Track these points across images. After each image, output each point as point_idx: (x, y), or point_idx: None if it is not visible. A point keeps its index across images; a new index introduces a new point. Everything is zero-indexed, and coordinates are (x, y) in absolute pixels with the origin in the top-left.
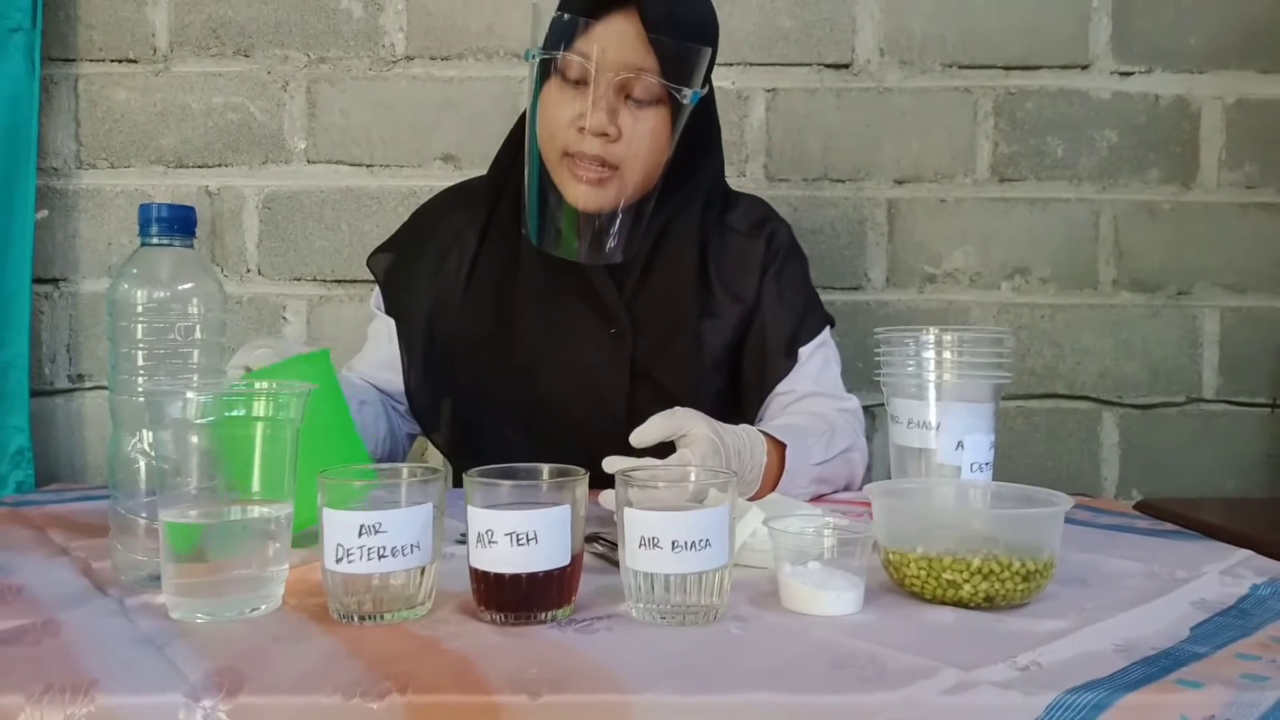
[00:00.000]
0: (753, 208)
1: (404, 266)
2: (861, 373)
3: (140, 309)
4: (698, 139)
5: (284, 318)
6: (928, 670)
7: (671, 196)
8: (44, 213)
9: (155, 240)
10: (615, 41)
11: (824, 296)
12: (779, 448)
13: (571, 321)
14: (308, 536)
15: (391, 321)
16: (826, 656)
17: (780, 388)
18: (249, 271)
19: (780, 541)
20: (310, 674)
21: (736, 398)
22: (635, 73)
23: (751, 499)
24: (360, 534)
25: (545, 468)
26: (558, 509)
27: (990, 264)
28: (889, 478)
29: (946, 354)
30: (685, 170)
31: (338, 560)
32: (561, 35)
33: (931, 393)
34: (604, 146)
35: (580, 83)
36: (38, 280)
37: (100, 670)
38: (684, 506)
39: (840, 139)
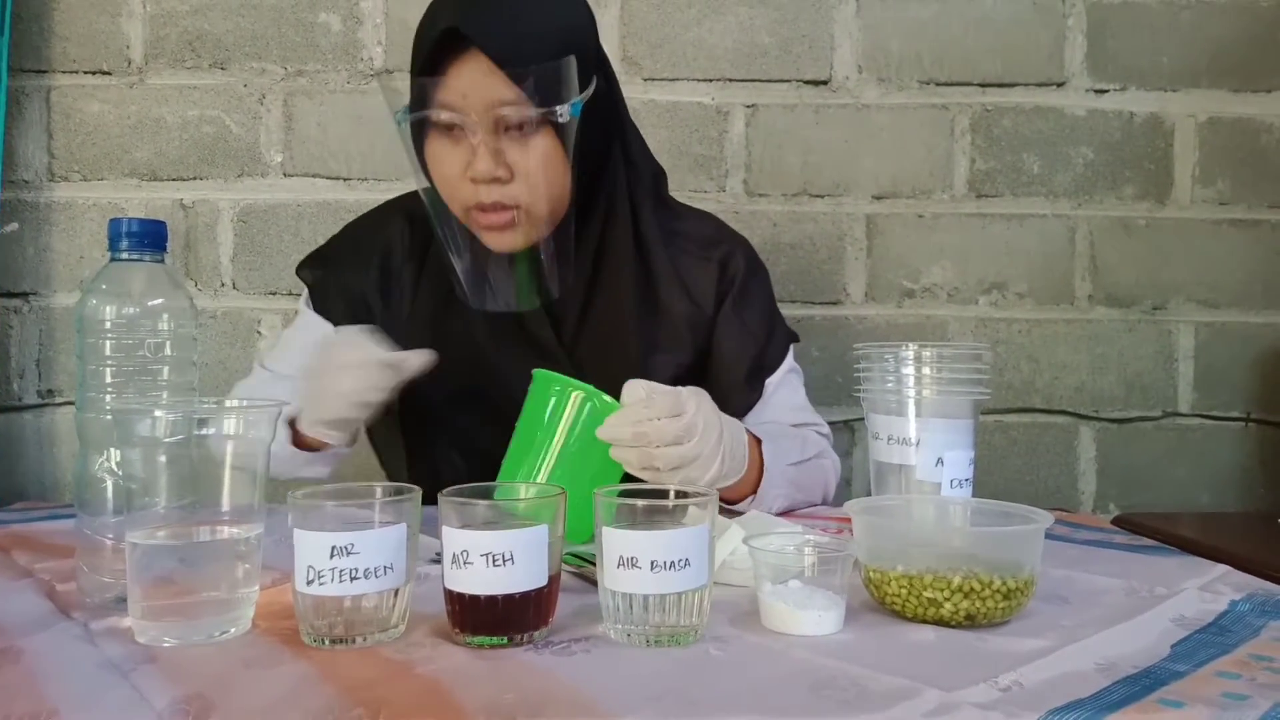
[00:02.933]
0: (702, 222)
1: (341, 276)
2: (841, 387)
3: (109, 325)
4: (606, 143)
5: (259, 332)
6: (909, 691)
7: (595, 215)
8: (13, 226)
9: (125, 255)
10: (472, 85)
11: (803, 311)
12: (755, 441)
13: (514, 363)
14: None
15: (328, 325)
16: (808, 679)
17: (748, 420)
18: (223, 285)
19: (760, 560)
20: (280, 701)
21: None
22: (505, 106)
23: (735, 488)
24: (332, 555)
25: (522, 486)
26: (535, 529)
27: (968, 279)
28: (868, 494)
29: (926, 370)
30: (601, 183)
31: (308, 582)
32: (421, 95)
33: (911, 409)
34: (501, 190)
35: (455, 129)
36: (6, 294)
37: (62, 698)
38: (664, 524)
39: (819, 155)
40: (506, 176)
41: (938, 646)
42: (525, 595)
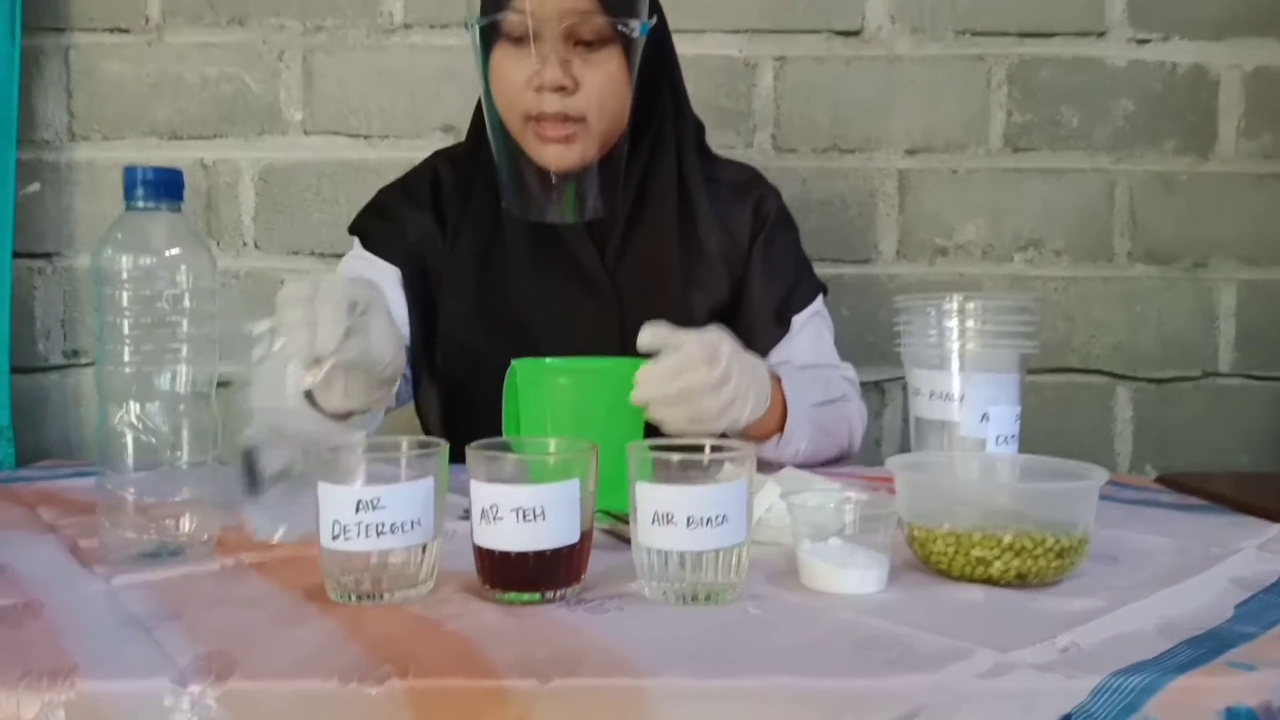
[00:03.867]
0: (740, 170)
1: (397, 218)
2: (872, 347)
3: (126, 276)
4: (657, 81)
5: None
6: (960, 651)
7: (642, 150)
8: (35, 186)
9: (141, 205)
10: None
11: (832, 270)
12: (774, 379)
13: (557, 291)
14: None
15: (389, 267)
16: (851, 637)
17: (774, 358)
18: (245, 246)
19: (799, 517)
20: (305, 657)
21: None
22: (578, 16)
23: (761, 424)
24: (358, 510)
25: (552, 441)
26: (566, 484)
27: (1003, 236)
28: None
29: (970, 322)
30: (650, 120)
31: (334, 537)
32: (494, 1)
33: (955, 363)
34: (564, 101)
35: (524, 40)
36: (30, 255)
37: (82, 654)
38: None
39: (850, 108)
40: (572, 87)
41: (987, 606)
42: (557, 551)
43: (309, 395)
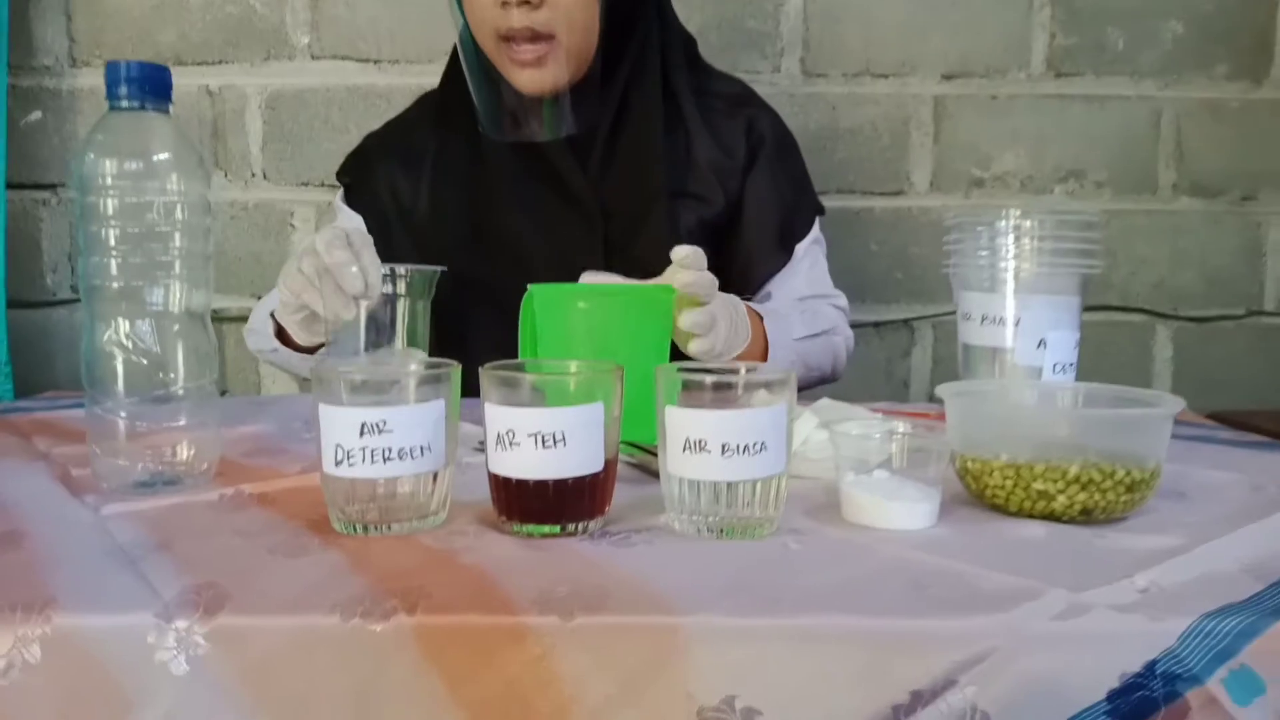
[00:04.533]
0: (732, 83)
1: (371, 169)
2: (900, 284)
3: (110, 181)
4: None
5: (291, 225)
6: (1030, 591)
7: (624, 63)
8: (36, 115)
9: (125, 104)
10: None
11: (862, 203)
12: (755, 316)
13: (541, 208)
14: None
15: (358, 217)
16: (905, 574)
17: (773, 287)
18: (254, 176)
19: (842, 447)
20: (304, 591)
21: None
22: None
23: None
24: (362, 433)
25: (574, 362)
26: (589, 407)
27: (1042, 166)
28: (928, 400)
29: (1027, 240)
30: (633, 31)
31: (337, 463)
32: None
33: (1009, 284)
34: (530, 16)
35: None
36: (34, 186)
37: (61, 587)
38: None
39: (883, 30)
40: (536, 1)
41: (1051, 544)
42: (579, 480)
43: (281, 335)
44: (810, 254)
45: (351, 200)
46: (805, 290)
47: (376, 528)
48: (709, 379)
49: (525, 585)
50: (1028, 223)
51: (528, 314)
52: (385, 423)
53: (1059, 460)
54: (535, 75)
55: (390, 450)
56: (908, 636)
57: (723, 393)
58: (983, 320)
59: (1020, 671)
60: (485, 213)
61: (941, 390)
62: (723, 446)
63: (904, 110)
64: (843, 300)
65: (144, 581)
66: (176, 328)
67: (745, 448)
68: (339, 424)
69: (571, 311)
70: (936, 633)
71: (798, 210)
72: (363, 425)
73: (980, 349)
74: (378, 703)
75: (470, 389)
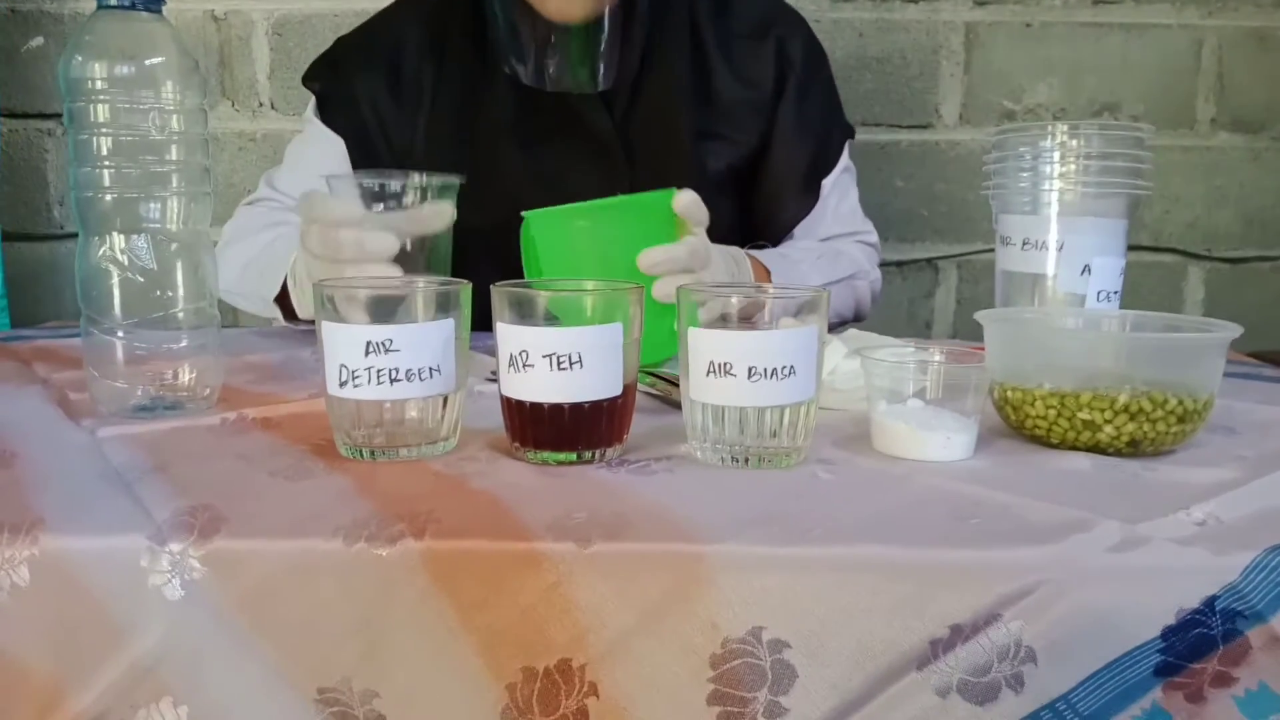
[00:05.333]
0: (751, 5)
1: (349, 80)
2: (926, 221)
3: (100, 85)
4: None
5: None
6: (1080, 523)
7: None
8: (38, 41)
9: (115, 1)
10: None
11: (888, 136)
12: (764, 273)
13: (554, 156)
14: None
15: (338, 140)
16: (945, 505)
17: (798, 230)
18: (261, 106)
19: (875, 375)
20: (306, 515)
21: (749, 234)
22: None
23: None
24: (367, 352)
25: (590, 282)
26: (608, 327)
27: (1077, 99)
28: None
29: (1073, 159)
30: None
31: (341, 384)
32: None
33: (1053, 205)
34: None
35: None
36: (38, 116)
37: (51, 509)
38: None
39: None
40: None
41: (1098, 476)
42: (596, 405)
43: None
44: (839, 186)
45: (327, 115)
46: (832, 229)
47: (384, 452)
48: (734, 298)
49: (539, 511)
50: (1074, 142)
51: (528, 245)
52: (392, 341)
53: (1106, 389)
54: (567, 3)
55: (397, 371)
56: (948, 568)
57: (749, 314)
58: (1023, 245)
59: (1070, 606)
60: (487, 158)
61: (981, 316)
62: (749, 370)
63: (934, 38)
64: (872, 235)
65: (137, 504)
66: (175, 246)
67: (773, 371)
68: (343, 342)
69: (572, 232)
70: (980, 564)
71: (827, 141)
72: (368, 344)
73: (1020, 276)
74: (384, 631)
75: (480, 326)
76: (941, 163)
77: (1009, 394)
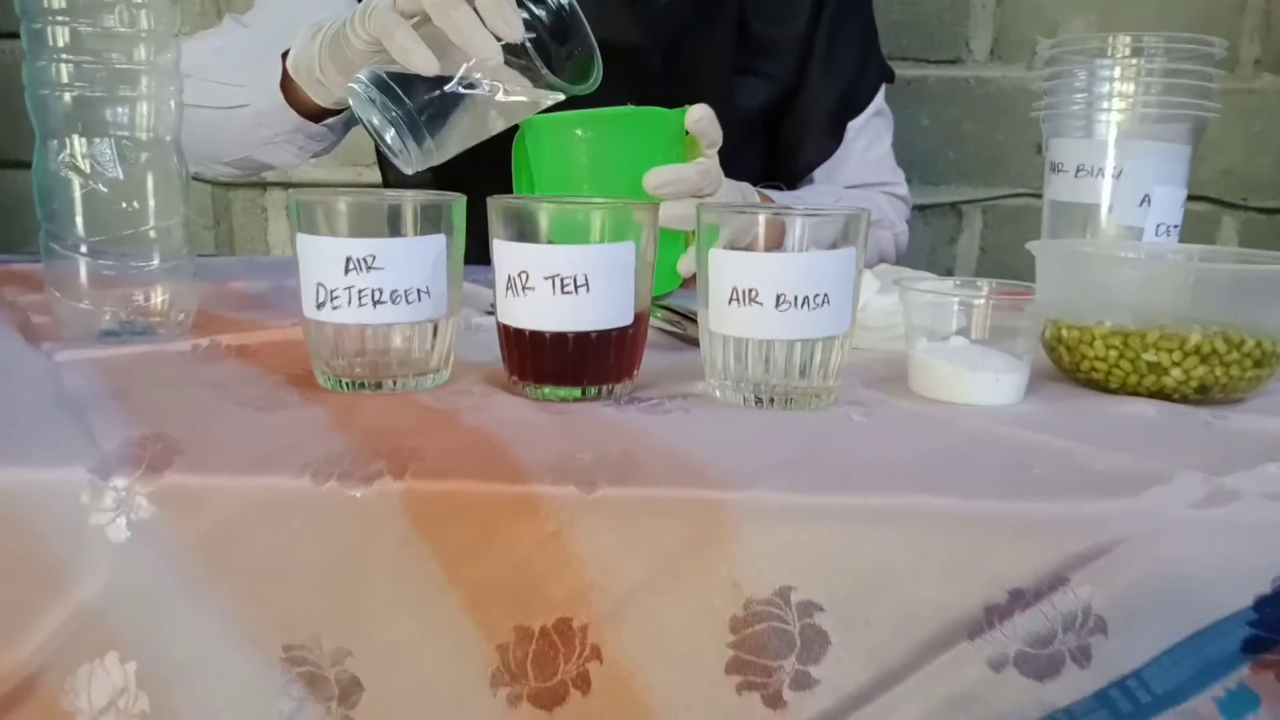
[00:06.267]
0: None
1: None
2: (951, 163)
3: None
4: None
5: None
6: (1156, 474)
7: None
8: None
9: None
10: None
11: (914, 71)
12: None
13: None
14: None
15: None
16: (999, 452)
17: (818, 175)
18: None
19: (915, 310)
20: (272, 449)
21: (766, 177)
22: None
23: None
24: (347, 270)
25: (598, 197)
26: (618, 246)
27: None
28: None
29: (1133, 76)
30: None
31: (319, 305)
32: None
33: (1110, 129)
34: None
35: None
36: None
37: None
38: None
39: None
40: None
41: (1166, 424)
42: (604, 335)
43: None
44: (867, 131)
45: None
46: (857, 176)
47: (366, 384)
48: (760, 216)
49: (538, 451)
50: (1134, 60)
51: (519, 156)
52: (374, 258)
53: (1175, 328)
54: None
55: (381, 292)
56: (1008, 522)
57: (776, 235)
58: (1077, 172)
59: (1147, 568)
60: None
61: (1034, 246)
62: (778, 298)
63: None
64: (902, 188)
65: (85, 432)
66: (144, 156)
67: (805, 300)
68: (320, 258)
69: (570, 143)
70: (1044, 518)
71: (860, 79)
72: (348, 260)
73: (1070, 207)
74: (359, 582)
75: (482, 257)
76: (970, 101)
77: (1064, 333)
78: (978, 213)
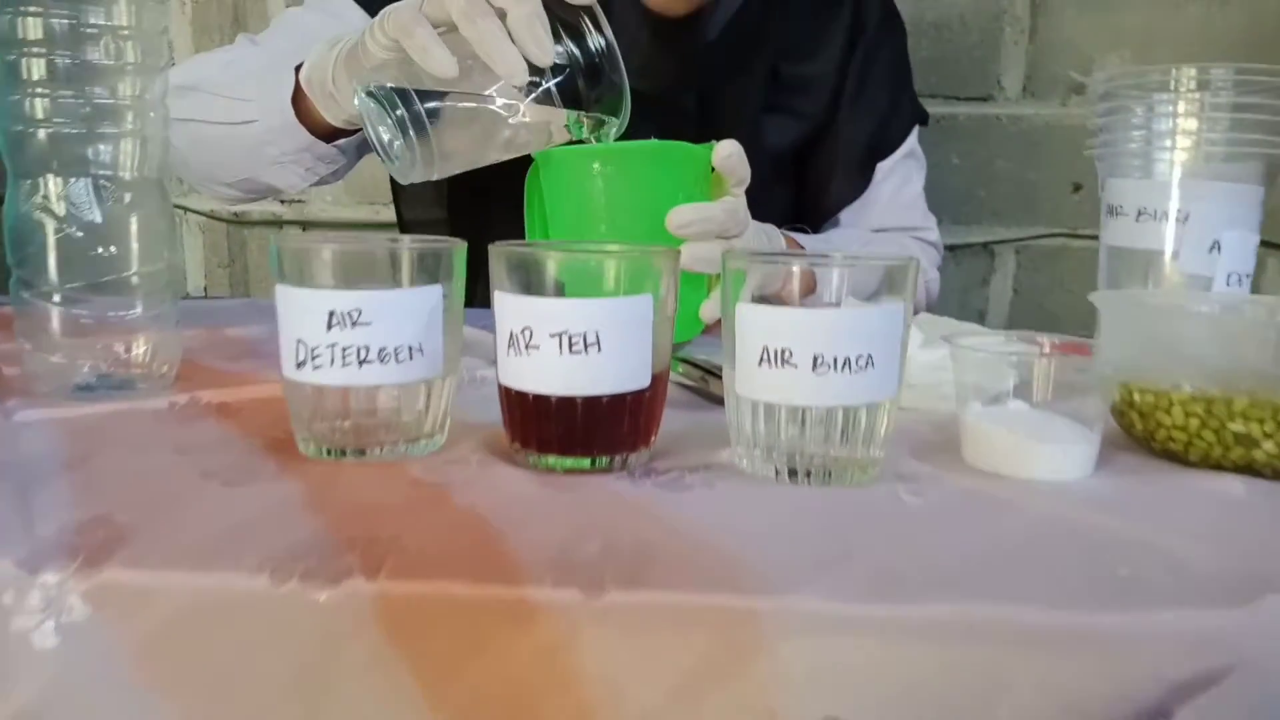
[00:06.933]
0: None
1: None
2: (983, 203)
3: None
4: None
5: None
6: (1268, 577)
7: None
8: None
9: None
10: None
11: (944, 109)
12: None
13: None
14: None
15: (359, 11)
16: (1076, 545)
17: (844, 217)
18: None
19: (968, 369)
20: (232, 535)
21: (799, 216)
22: None
23: None
24: (330, 325)
25: (611, 243)
26: (635, 300)
27: None
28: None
29: (1196, 117)
30: None
31: (299, 364)
32: None
33: (1174, 168)
34: None
35: None
36: None
37: None
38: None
39: None
40: None
41: (1261, 507)
42: (617, 399)
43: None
44: (898, 173)
45: None
46: (885, 220)
47: (345, 453)
48: (795, 265)
49: (538, 540)
50: (1201, 94)
51: (534, 194)
52: (360, 312)
53: (1265, 394)
54: (678, 0)
55: (367, 350)
56: (1096, 640)
57: (811, 285)
58: (1138, 215)
59: (1270, 700)
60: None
61: (1098, 298)
62: (815, 359)
63: (997, 3)
64: (933, 233)
65: (22, 514)
66: (128, 197)
67: (846, 362)
68: (301, 311)
69: (587, 178)
70: (1139, 636)
71: (891, 119)
72: (331, 314)
73: (1130, 254)
74: (322, 697)
75: (487, 301)
76: (1002, 138)
77: (1136, 397)
78: (1010, 253)
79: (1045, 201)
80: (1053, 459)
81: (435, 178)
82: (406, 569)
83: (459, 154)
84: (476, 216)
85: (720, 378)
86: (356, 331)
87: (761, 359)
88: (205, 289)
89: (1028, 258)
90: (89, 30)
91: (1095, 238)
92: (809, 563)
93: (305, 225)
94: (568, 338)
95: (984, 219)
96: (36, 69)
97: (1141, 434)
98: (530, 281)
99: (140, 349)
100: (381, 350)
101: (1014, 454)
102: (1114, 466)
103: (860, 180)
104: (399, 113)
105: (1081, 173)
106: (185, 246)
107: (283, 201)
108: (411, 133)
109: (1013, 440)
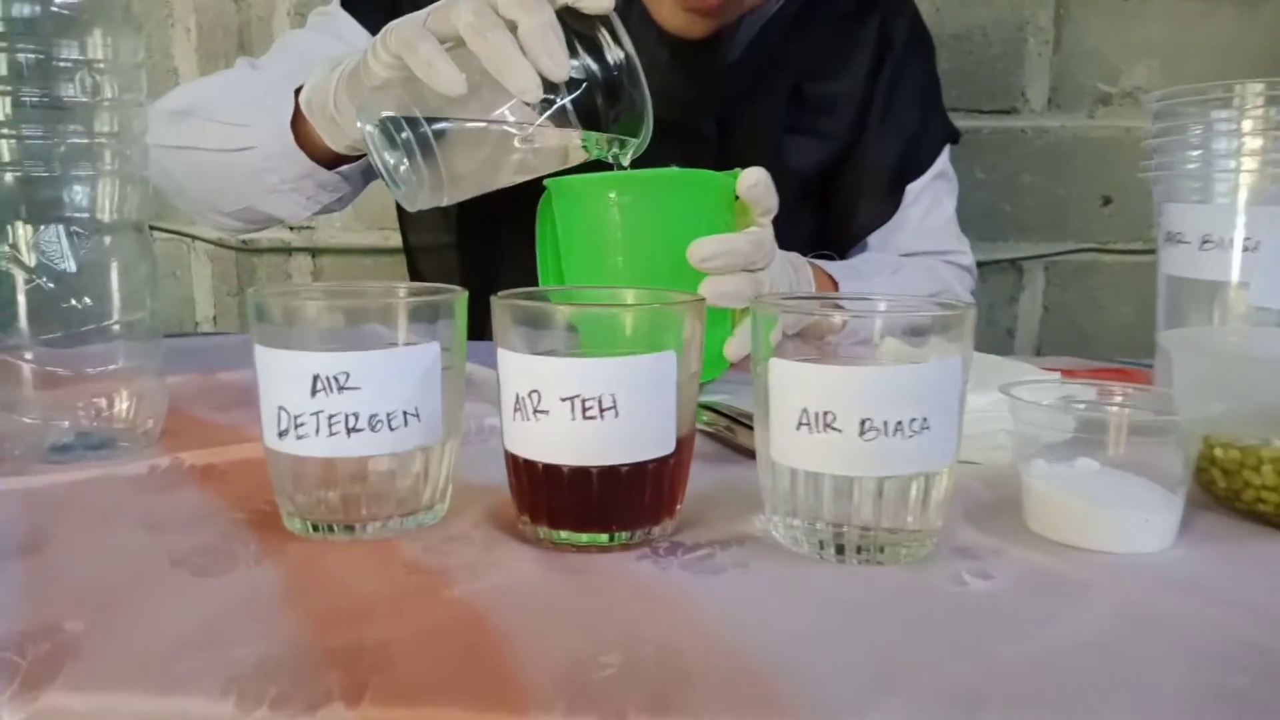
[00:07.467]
0: None
1: None
2: (1008, 219)
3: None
4: None
5: None
6: None
7: None
8: None
9: None
10: None
11: (967, 122)
12: (831, 284)
13: (662, 155)
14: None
15: (361, 31)
16: (1175, 642)
17: (873, 241)
18: None
19: (1028, 422)
20: (199, 643)
21: (824, 241)
22: None
23: None
24: (314, 391)
25: (629, 291)
26: (657, 358)
27: (1178, 82)
28: (1036, 353)
29: (1261, 136)
30: None
31: (281, 433)
32: None
33: (1241, 192)
34: None
35: None
36: None
37: None
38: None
39: None
40: None
41: None
42: (638, 469)
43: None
44: (929, 194)
45: (358, 8)
46: (915, 244)
47: (333, 529)
48: (836, 315)
49: (548, 648)
50: (1265, 110)
51: (546, 223)
52: (348, 376)
53: None
54: (699, 21)
55: (356, 418)
56: None
57: (858, 338)
58: (1203, 244)
59: None
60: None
61: (1168, 339)
62: (862, 424)
63: (1019, 13)
64: (966, 257)
65: None
66: (107, 241)
67: (898, 426)
68: (283, 375)
69: (603, 208)
70: None
71: (921, 140)
72: (315, 379)
73: (1193, 284)
74: None
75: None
76: (1027, 152)
77: (1218, 453)
78: (1039, 269)
79: (1074, 216)
80: (1132, 529)
81: (444, 203)
82: (393, 692)
83: (468, 178)
84: (486, 243)
85: (749, 427)
86: (344, 397)
87: (800, 422)
88: (215, 318)
89: (1057, 274)
90: (61, 64)
91: (1127, 252)
92: (865, 677)
93: (315, 252)
94: (581, 401)
95: (1011, 235)
96: (1, 108)
97: (1224, 493)
98: (537, 337)
99: (123, 404)
100: (372, 417)
101: (1088, 524)
102: (1195, 531)
103: (889, 203)
104: (404, 135)
105: (1111, 186)
106: (193, 275)
107: (291, 228)
108: (418, 156)
109: (1086, 508)
